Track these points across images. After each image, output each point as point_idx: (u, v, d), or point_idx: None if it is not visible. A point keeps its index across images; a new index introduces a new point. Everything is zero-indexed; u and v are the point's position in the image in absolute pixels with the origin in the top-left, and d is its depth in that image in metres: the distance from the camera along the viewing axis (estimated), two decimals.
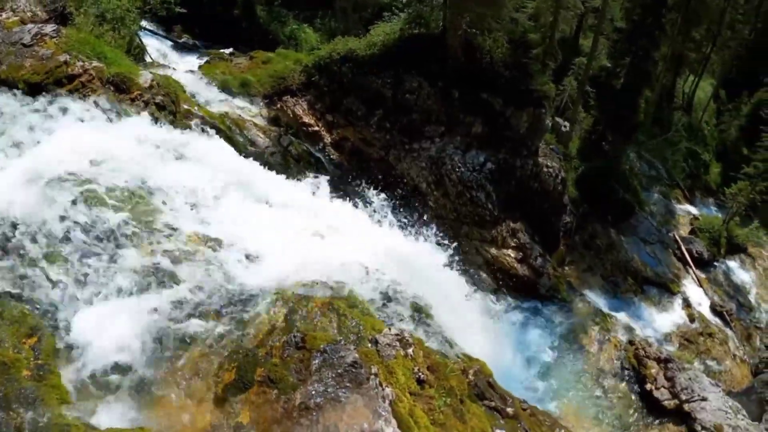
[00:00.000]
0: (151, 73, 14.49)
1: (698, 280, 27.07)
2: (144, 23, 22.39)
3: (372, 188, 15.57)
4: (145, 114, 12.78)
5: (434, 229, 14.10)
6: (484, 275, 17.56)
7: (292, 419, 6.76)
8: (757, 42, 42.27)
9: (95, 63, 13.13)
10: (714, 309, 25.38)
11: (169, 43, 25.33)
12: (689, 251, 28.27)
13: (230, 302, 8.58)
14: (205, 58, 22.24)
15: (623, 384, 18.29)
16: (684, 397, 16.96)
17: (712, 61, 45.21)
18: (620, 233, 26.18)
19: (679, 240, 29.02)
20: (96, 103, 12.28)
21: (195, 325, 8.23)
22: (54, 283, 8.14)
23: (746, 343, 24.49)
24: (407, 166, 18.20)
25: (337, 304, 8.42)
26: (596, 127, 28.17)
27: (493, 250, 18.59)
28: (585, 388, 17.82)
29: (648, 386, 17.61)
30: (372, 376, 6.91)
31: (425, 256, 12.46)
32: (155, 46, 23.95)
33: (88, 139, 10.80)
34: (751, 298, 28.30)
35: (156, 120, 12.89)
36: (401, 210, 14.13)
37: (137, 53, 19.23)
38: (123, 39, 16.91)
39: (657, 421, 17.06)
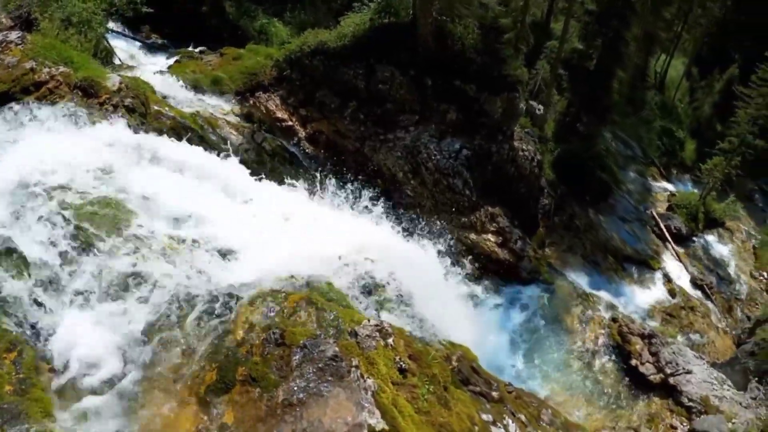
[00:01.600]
0: (119, 75, 14.27)
1: (677, 255, 27.44)
2: (111, 25, 21.96)
3: (349, 180, 15.53)
4: (114, 118, 12.58)
5: (412, 218, 14.10)
6: (465, 261, 17.61)
7: (276, 417, 6.74)
8: (728, 19, 42.72)
9: (62, 68, 12.89)
10: (694, 283, 25.77)
11: (138, 43, 24.91)
12: (667, 227, 28.66)
13: (208, 303, 8.50)
14: (175, 58, 21.94)
15: (608, 361, 18.51)
16: (669, 371, 17.23)
17: (684, 39, 45.71)
18: (599, 213, 26.47)
19: (657, 217, 29.40)
20: (64, 110, 12.06)
21: (174, 328, 8.16)
22: (30, 296, 8.03)
23: (728, 315, 24.88)
24: (383, 157, 18.17)
25: (315, 297, 8.39)
26: (570, 109, 28.34)
27: (473, 236, 18.67)
28: (571, 368, 18.01)
29: (633, 362, 17.85)
30: (353, 369, 6.91)
31: (404, 245, 12.46)
32: (123, 47, 23.52)
33: (57, 146, 10.61)
34: (731, 270, 28.78)
35: (126, 123, 12.70)
36: (378, 200, 14.08)
37: (105, 56, 18.91)
38: (89, 42, 16.61)
39: (643, 396, 17.31)
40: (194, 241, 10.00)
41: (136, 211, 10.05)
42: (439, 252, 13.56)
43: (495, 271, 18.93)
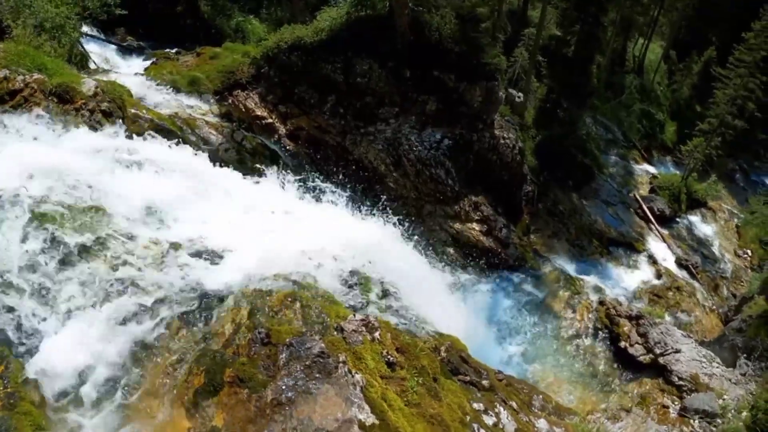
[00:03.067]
0: (94, 80, 14.07)
1: (662, 236, 27.71)
2: (85, 29, 21.74)
3: (330, 175, 15.47)
4: (91, 123, 12.42)
5: (396, 210, 14.06)
6: (450, 250, 17.67)
7: (265, 417, 6.69)
8: (704, 2, 42.95)
9: (36, 75, 12.68)
10: (679, 263, 26.03)
11: (113, 47, 24.68)
12: (651, 209, 28.93)
13: (193, 305, 8.42)
14: (152, 60, 21.75)
15: (598, 344, 18.66)
16: (658, 351, 17.39)
17: (661, 23, 45.99)
18: (582, 197, 26.65)
19: (640, 199, 29.65)
20: (39, 117, 11.89)
21: (160, 332, 8.08)
22: (14, 308, 7.90)
23: (714, 294, 25.17)
24: (364, 150, 18.13)
25: (300, 295, 8.33)
26: (550, 96, 28.45)
27: (458, 225, 18.71)
28: (560, 352, 18.14)
29: (622, 344, 18.01)
30: (340, 365, 6.88)
31: (389, 238, 12.42)
32: (99, 51, 23.32)
33: (34, 154, 10.44)
34: (715, 249, 29.10)
35: (103, 128, 12.54)
36: (361, 194, 14.06)
37: (80, 61, 18.71)
38: (63, 48, 16.41)
39: (634, 377, 17.49)
40: (176, 243, 9.88)
41: (116, 216, 9.92)
42: (424, 242, 13.55)
43: (481, 260, 18.98)
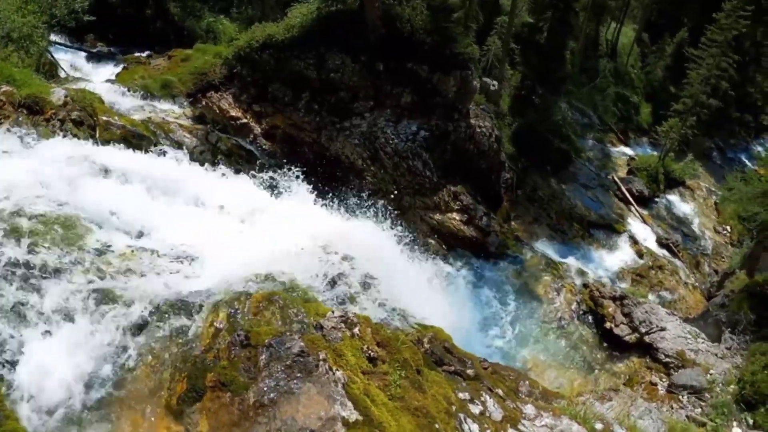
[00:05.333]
0: (64, 89, 13.95)
1: (642, 217, 28.00)
2: (54, 37, 21.45)
3: (307, 172, 15.36)
4: (62, 133, 12.28)
5: (375, 204, 14.03)
6: (432, 242, 17.73)
7: (249, 419, 6.66)
8: None
9: (4, 87, 12.57)
10: (660, 242, 26.32)
11: (83, 54, 24.39)
12: (629, 190, 29.21)
13: (172, 312, 8.35)
14: (123, 65, 21.56)
15: (583, 326, 18.82)
16: (643, 330, 17.60)
17: (633, 6, 46.37)
18: (561, 182, 26.83)
19: (619, 181, 29.93)
20: (9, 130, 11.72)
21: (140, 341, 8.01)
22: None
23: (696, 271, 25.49)
24: (341, 146, 18.11)
25: (278, 294, 8.26)
26: (525, 83, 28.56)
27: (438, 216, 18.77)
28: (547, 337, 18.26)
29: (607, 325, 18.20)
30: (321, 362, 6.86)
31: (368, 232, 12.40)
32: (68, 59, 23.05)
33: (4, 169, 10.31)
34: (695, 227, 29.49)
35: (74, 137, 12.40)
36: (339, 189, 14.02)
37: (48, 70, 18.49)
38: (32, 57, 16.23)
39: (621, 357, 17.68)
40: (153, 250, 9.79)
41: (92, 227, 9.80)
42: (404, 234, 13.53)
43: (463, 249, 19.06)
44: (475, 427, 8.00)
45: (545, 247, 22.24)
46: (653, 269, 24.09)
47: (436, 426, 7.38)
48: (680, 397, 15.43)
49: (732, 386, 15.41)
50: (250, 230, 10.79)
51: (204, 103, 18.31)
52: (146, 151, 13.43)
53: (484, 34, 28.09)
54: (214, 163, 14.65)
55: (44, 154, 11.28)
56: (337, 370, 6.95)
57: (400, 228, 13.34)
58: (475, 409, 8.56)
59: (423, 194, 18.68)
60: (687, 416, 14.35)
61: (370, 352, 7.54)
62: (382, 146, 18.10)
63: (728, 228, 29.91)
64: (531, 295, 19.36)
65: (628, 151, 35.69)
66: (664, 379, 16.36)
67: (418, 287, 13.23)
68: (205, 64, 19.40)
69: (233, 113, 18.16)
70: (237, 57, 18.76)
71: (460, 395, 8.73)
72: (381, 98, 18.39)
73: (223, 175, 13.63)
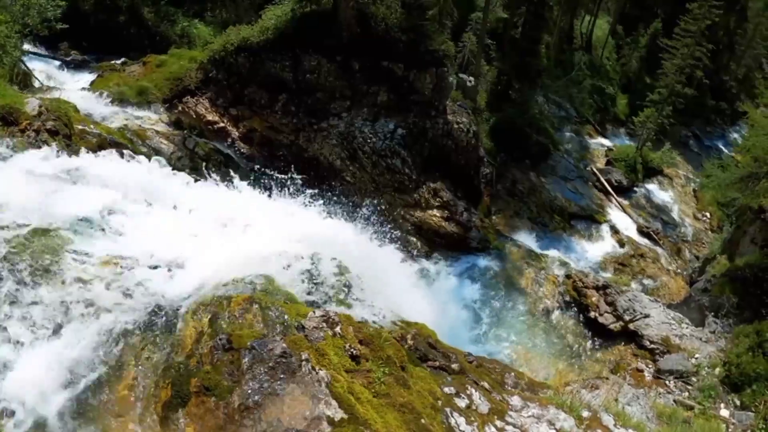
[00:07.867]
0: (38, 99, 13.79)
1: (622, 206, 28.29)
2: (27, 47, 21.17)
3: (285, 174, 15.29)
4: (38, 143, 12.13)
5: (355, 203, 14.02)
6: (413, 239, 17.77)
7: (235, 423, 6.65)
8: None
9: None
10: (641, 231, 26.62)
11: (57, 62, 24.11)
12: (609, 181, 29.50)
13: (154, 318, 8.30)
14: (97, 73, 21.36)
15: (568, 317, 18.93)
16: (628, 318, 17.77)
17: None
18: (540, 175, 27.01)
19: (598, 172, 30.21)
20: None
21: (123, 349, 7.95)
22: None
23: (677, 257, 25.76)
24: (319, 146, 18.11)
25: (258, 297, 8.26)
26: (501, 78, 28.75)
27: (419, 213, 18.82)
28: (532, 328, 18.35)
29: (592, 314, 18.36)
30: (304, 363, 6.86)
31: (349, 232, 12.39)
32: (43, 68, 22.77)
33: None
34: (674, 215, 29.82)
35: (50, 147, 12.24)
36: (319, 190, 13.95)
37: (22, 80, 18.26)
38: (5, 68, 16.01)
39: (607, 345, 17.83)
40: (135, 257, 9.71)
41: (70, 236, 9.69)
42: (385, 232, 13.53)
43: (445, 245, 19.16)
44: (461, 420, 8.04)
45: (527, 240, 22.37)
46: (635, 257, 24.33)
47: (423, 421, 7.40)
48: (667, 382, 15.60)
49: (717, 369, 15.61)
50: (230, 234, 10.73)
51: (180, 108, 18.21)
52: (123, 158, 13.31)
53: (460, 30, 28.18)
54: (192, 168, 14.58)
55: (21, 165, 11.13)
56: (320, 369, 6.96)
57: (381, 227, 13.34)
58: (462, 403, 8.60)
59: (403, 192, 18.72)
60: (675, 400, 14.48)
61: (352, 350, 7.56)
62: (361, 146, 18.12)
63: (708, 214, 30.32)
64: (514, 288, 19.45)
65: (606, 142, 36.01)
66: (650, 365, 16.53)
67: (401, 285, 13.24)
68: (181, 69, 19.30)
69: (210, 118, 18.09)
70: (212, 61, 18.68)
71: (446, 390, 8.76)
72: (358, 98, 18.41)
73: (201, 179, 13.55)
